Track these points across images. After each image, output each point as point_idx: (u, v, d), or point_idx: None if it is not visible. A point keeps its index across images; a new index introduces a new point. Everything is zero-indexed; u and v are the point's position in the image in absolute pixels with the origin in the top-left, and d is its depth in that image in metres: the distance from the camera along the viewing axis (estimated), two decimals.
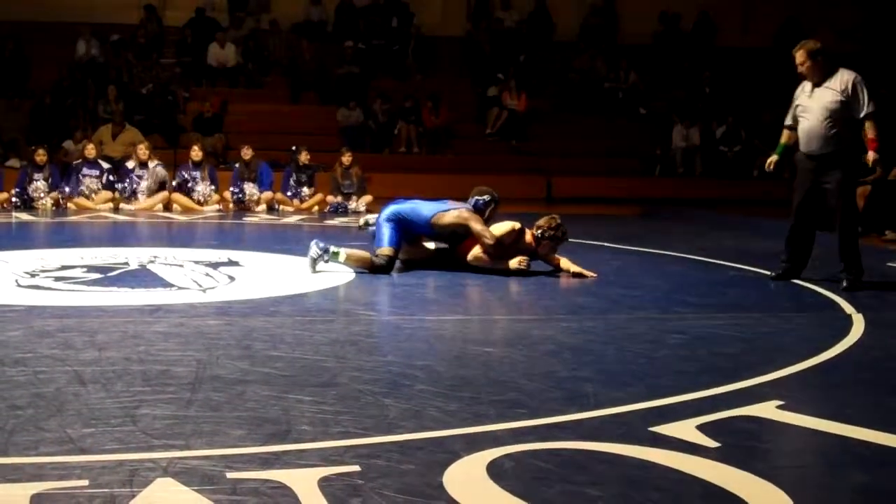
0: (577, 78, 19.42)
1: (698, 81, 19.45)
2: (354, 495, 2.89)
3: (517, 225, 7.78)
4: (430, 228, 7.78)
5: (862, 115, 7.09)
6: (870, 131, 7.07)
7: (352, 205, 13.95)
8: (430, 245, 8.04)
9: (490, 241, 7.59)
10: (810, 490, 3.15)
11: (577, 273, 7.65)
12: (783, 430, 3.71)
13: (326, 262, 7.55)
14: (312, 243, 7.58)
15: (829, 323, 6.00)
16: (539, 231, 7.75)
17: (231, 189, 13.93)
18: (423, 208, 7.84)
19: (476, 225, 7.66)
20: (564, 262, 7.78)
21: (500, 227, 7.75)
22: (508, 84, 18.41)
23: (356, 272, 7.51)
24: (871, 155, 7.06)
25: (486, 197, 7.95)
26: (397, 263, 7.73)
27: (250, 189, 13.89)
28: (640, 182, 17.57)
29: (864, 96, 7.09)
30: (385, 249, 7.59)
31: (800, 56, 7.25)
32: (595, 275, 7.65)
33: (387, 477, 3.03)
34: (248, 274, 7.45)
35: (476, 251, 7.69)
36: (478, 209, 7.86)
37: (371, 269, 7.54)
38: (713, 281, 7.83)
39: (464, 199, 8.00)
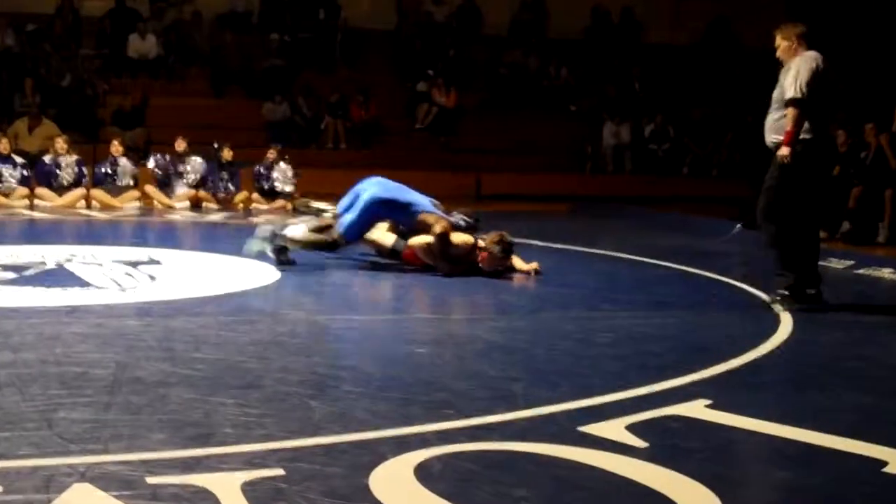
0: (507, 73, 19.50)
1: (628, 78, 19.66)
2: (278, 499, 2.88)
3: (472, 240, 7.69)
4: (410, 220, 7.68)
5: (786, 97, 6.35)
6: (788, 121, 6.31)
7: (276, 202, 13.84)
8: (390, 239, 7.95)
9: (438, 231, 7.50)
10: (738, 489, 3.20)
11: (525, 270, 7.65)
12: (712, 429, 3.77)
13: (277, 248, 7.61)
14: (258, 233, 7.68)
15: (756, 321, 6.10)
16: (483, 244, 7.65)
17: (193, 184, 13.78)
18: (413, 197, 7.73)
19: (437, 227, 7.55)
20: (517, 262, 7.76)
21: (460, 236, 7.67)
22: (437, 80, 18.43)
23: (282, 270, 7.47)
24: (782, 150, 6.32)
25: (471, 220, 7.88)
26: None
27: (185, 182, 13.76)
28: (571, 179, 17.70)
29: (799, 79, 6.32)
30: (342, 239, 7.63)
31: (776, 39, 6.63)
32: (536, 266, 7.67)
33: (311, 480, 3.02)
34: (170, 273, 7.36)
35: (421, 239, 7.62)
36: (456, 227, 7.74)
37: (320, 246, 7.64)
38: (642, 279, 7.92)
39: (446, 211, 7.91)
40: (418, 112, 18.45)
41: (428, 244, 7.60)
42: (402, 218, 7.75)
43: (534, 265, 7.72)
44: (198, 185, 13.87)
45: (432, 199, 7.85)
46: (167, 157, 13.90)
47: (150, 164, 13.89)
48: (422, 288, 7.11)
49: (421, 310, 6.56)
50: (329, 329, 5.51)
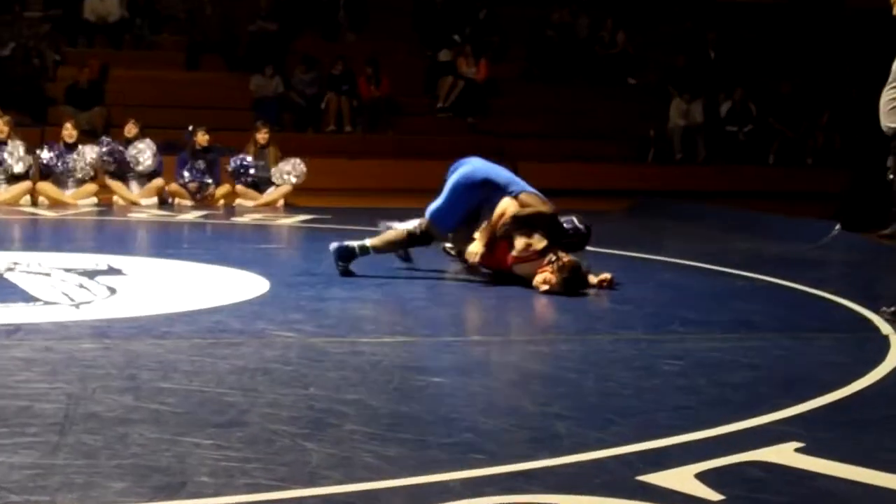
0: (551, 38, 19.46)
1: (701, 44, 19.62)
2: None
3: (541, 245, 7.58)
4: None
5: None
6: None
7: (265, 197, 13.88)
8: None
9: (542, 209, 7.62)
10: None
11: (596, 283, 7.60)
12: (803, 478, 3.74)
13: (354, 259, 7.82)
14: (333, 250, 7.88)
15: (860, 345, 6.06)
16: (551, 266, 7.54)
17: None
18: (512, 177, 7.88)
19: (544, 207, 7.66)
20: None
21: (536, 237, 7.62)
22: (464, 48, 18.45)
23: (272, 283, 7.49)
24: None
25: (581, 228, 8.01)
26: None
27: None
28: (629, 170, 17.69)
29: None
30: (433, 228, 7.77)
31: None
32: (607, 277, 7.67)
33: None
34: (134, 285, 7.39)
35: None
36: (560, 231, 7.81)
37: (407, 244, 7.88)
38: (718, 293, 7.89)
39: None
40: (441, 87, 18.50)
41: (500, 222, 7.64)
42: (498, 201, 7.76)
43: (605, 276, 7.66)
44: (152, 175, 13.88)
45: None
46: (60, 145, 13.80)
47: (44, 156, 13.75)
48: (442, 304, 7.09)
49: (441, 330, 6.55)
50: (329, 354, 5.51)
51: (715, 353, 5.70)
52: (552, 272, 7.39)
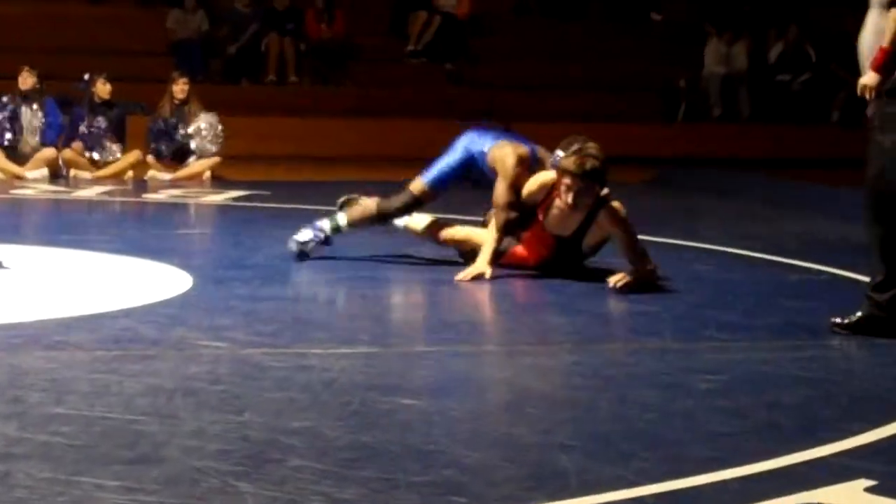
0: None
1: None
2: None
3: (550, 180, 7.74)
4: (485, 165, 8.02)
5: None
6: (888, 30, 6.19)
7: (186, 168, 13.83)
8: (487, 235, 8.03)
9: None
10: None
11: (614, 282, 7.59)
12: None
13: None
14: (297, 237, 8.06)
15: None
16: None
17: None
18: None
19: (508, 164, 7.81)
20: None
21: (536, 181, 7.79)
22: None
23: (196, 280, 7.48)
24: (864, 78, 6.26)
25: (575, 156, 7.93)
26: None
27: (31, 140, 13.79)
28: (654, 130, 17.71)
29: None
30: (419, 184, 7.97)
31: None
32: (622, 278, 7.63)
33: None
34: (18, 282, 7.39)
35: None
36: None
37: (378, 218, 8.07)
38: (766, 289, 7.91)
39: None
40: (412, 25, 18.47)
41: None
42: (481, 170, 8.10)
43: (619, 277, 7.56)
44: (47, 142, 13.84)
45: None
46: None
47: None
48: (415, 302, 7.09)
49: (415, 338, 6.55)
50: (268, 370, 5.50)
51: (763, 367, 5.72)
52: (565, 174, 7.46)
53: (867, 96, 6.23)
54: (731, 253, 9.26)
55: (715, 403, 5.07)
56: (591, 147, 7.50)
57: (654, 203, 13.02)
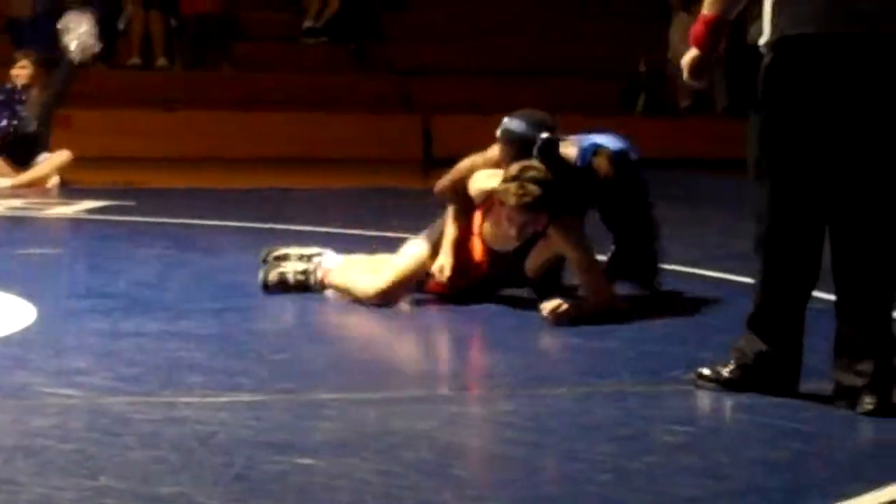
0: None
1: None
2: None
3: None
4: None
5: None
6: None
7: (30, 171, 13.80)
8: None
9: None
10: None
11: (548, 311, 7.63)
12: None
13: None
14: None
15: None
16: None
17: None
18: None
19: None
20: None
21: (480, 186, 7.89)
22: None
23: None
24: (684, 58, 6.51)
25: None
26: None
27: None
28: (608, 125, 17.78)
29: None
30: None
31: None
32: (558, 305, 7.68)
33: None
34: None
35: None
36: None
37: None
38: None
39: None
40: None
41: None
42: None
43: (555, 303, 7.60)
44: None
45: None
46: None
47: None
48: (316, 340, 7.11)
49: (314, 383, 6.54)
50: (132, 422, 5.49)
51: (742, 415, 5.75)
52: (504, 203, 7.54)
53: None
54: (705, 276, 9.31)
55: (683, 461, 5.10)
56: (533, 170, 7.52)
57: None
